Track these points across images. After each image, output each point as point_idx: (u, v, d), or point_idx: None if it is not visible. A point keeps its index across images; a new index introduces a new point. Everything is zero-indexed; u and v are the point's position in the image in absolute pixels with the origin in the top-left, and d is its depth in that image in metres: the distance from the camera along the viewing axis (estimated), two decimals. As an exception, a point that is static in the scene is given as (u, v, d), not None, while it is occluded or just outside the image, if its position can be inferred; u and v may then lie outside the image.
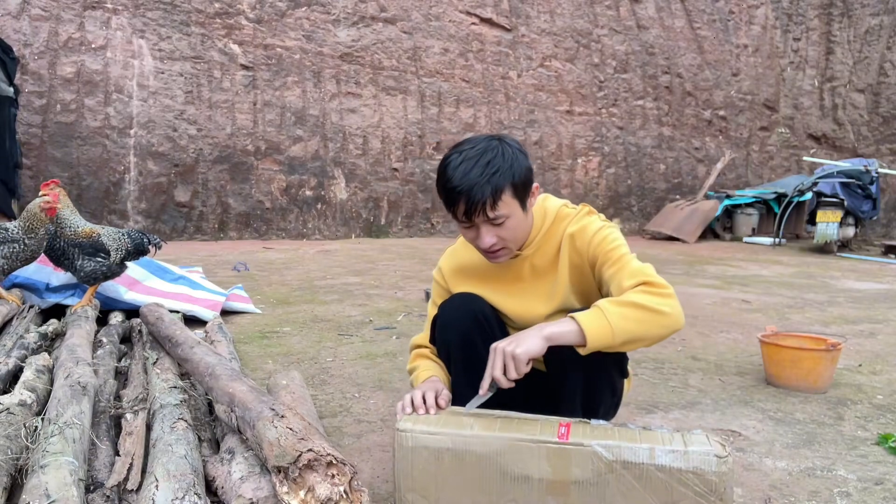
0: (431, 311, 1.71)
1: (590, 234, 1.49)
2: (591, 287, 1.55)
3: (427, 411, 1.35)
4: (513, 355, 1.30)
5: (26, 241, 2.69)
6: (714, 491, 1.16)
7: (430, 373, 1.57)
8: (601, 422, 1.32)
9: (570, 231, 1.53)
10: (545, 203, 1.60)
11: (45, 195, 2.73)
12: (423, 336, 1.71)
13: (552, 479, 1.22)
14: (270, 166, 8.40)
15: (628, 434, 1.24)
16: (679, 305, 1.38)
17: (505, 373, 1.32)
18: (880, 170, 8.43)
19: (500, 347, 1.34)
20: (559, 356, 1.44)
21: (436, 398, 1.39)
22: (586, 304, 1.47)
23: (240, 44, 8.29)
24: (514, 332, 1.59)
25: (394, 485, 1.32)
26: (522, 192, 1.44)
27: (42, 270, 3.19)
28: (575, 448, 1.21)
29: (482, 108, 9.66)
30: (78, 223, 2.82)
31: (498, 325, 1.62)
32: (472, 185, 1.38)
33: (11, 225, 2.74)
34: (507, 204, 1.42)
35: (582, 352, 1.35)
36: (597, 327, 1.32)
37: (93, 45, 7.55)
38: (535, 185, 1.49)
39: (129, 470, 1.39)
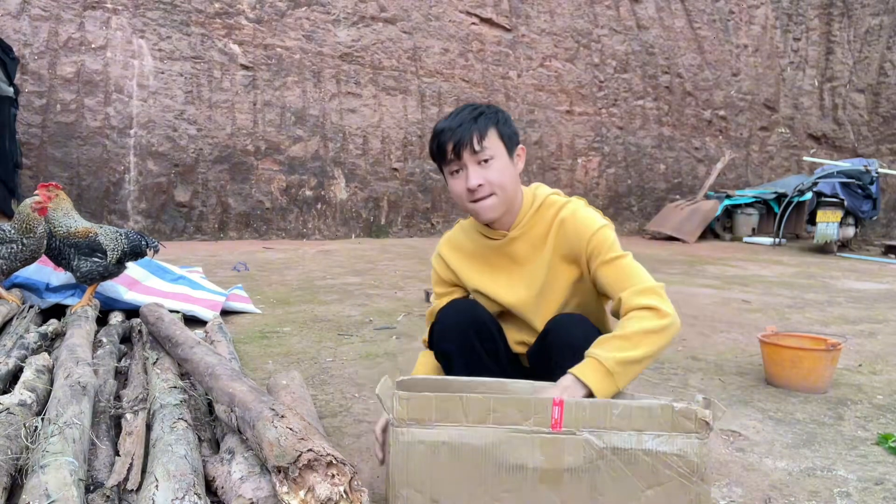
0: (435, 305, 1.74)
1: (590, 231, 1.51)
2: (574, 275, 1.57)
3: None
4: None
5: (24, 241, 2.69)
6: (696, 472, 1.24)
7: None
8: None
9: (562, 216, 1.56)
10: (536, 190, 1.64)
11: (37, 194, 2.73)
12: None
13: (545, 467, 1.26)
14: (270, 166, 8.40)
15: (617, 419, 1.26)
16: (676, 319, 1.41)
17: None
18: (880, 170, 8.43)
19: None
20: (545, 361, 1.51)
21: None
22: (566, 292, 1.57)
23: (240, 44, 8.29)
24: (508, 330, 1.63)
25: (387, 481, 1.32)
26: (508, 140, 1.53)
27: (42, 270, 3.19)
28: (567, 437, 1.26)
29: (482, 108, 9.65)
30: (71, 223, 2.80)
31: (497, 329, 1.63)
32: (460, 125, 1.50)
33: (7, 226, 2.73)
34: (493, 143, 1.50)
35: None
36: (606, 389, 1.35)
37: (93, 45, 7.55)
38: (521, 146, 1.58)
39: (129, 470, 1.39)
